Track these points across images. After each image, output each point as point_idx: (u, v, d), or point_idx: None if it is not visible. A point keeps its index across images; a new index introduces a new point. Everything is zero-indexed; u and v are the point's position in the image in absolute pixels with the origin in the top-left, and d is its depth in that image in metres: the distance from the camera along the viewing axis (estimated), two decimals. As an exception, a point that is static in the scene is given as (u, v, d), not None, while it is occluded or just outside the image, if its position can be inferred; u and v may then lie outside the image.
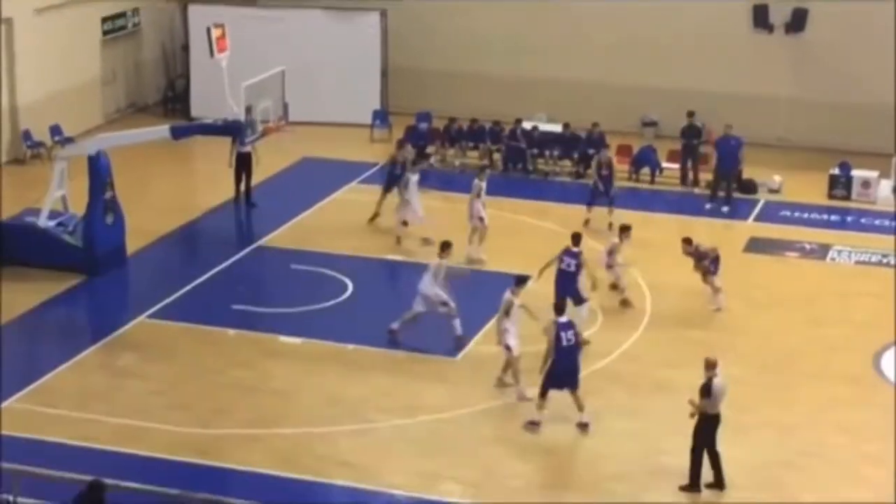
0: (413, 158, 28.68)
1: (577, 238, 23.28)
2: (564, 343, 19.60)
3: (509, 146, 32.64)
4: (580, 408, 19.90)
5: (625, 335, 23.37)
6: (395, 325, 22.71)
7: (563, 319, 19.90)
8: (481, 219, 26.65)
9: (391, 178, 28.41)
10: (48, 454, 18.82)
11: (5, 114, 32.43)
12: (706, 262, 24.49)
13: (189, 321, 23.73)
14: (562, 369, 19.68)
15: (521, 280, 21.26)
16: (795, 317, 24.42)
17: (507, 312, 20.94)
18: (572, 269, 22.95)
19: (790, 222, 29.68)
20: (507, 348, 20.99)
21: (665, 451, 19.08)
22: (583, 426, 19.95)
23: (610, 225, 27.86)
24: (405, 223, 27.57)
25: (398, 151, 28.94)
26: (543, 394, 19.83)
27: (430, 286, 22.46)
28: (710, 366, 18.19)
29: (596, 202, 28.78)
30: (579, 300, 22.97)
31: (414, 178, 27.60)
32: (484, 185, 26.89)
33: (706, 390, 18.01)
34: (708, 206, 30.42)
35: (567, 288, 22.80)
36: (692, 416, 18.14)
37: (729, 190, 30.58)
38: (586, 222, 28.43)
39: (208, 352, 22.60)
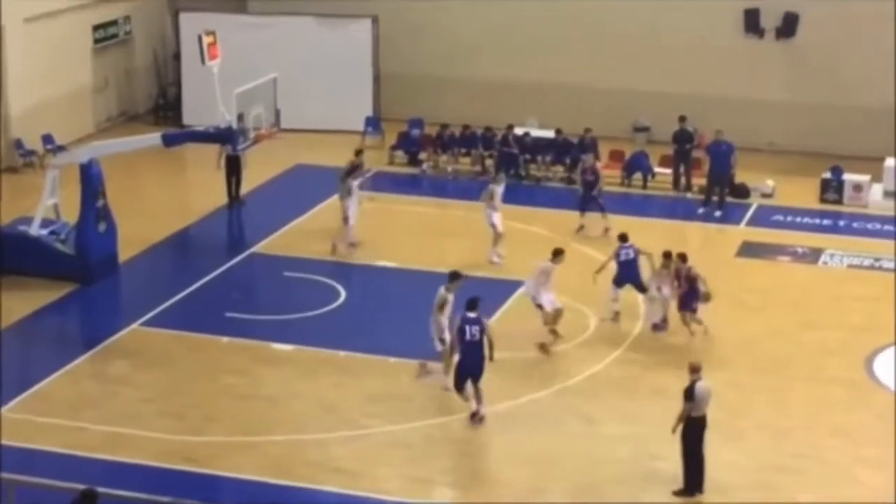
0: (347, 168, 28.05)
1: (623, 236, 24.28)
2: (468, 338, 20.23)
3: (501, 152, 32.63)
4: (479, 400, 20.27)
5: (619, 339, 23.36)
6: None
7: (471, 315, 20.38)
8: (493, 225, 26.72)
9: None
10: (41, 463, 18.80)
11: (-3, 122, 32.46)
12: (681, 287, 23.37)
13: (182, 329, 23.71)
14: (469, 362, 20.29)
15: (454, 276, 21.64)
16: (788, 320, 24.43)
17: (440, 308, 21.25)
18: (631, 256, 24.08)
19: (783, 226, 29.70)
20: (441, 342, 21.24)
21: (660, 455, 19.04)
22: (478, 418, 20.23)
23: (605, 230, 27.81)
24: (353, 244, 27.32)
25: (357, 158, 28.84)
26: (459, 388, 20.42)
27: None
28: (694, 370, 18.27)
29: (588, 208, 28.75)
30: (642, 288, 23.97)
31: (355, 183, 27.50)
32: (498, 189, 27.09)
33: (689, 393, 18.06)
34: (701, 210, 30.43)
35: (629, 275, 24.08)
36: (675, 427, 18.13)
37: (721, 195, 30.58)
38: (580, 228, 28.44)
39: (201, 359, 22.56)
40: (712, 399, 18.39)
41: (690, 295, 23.44)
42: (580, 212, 28.83)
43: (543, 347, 22.93)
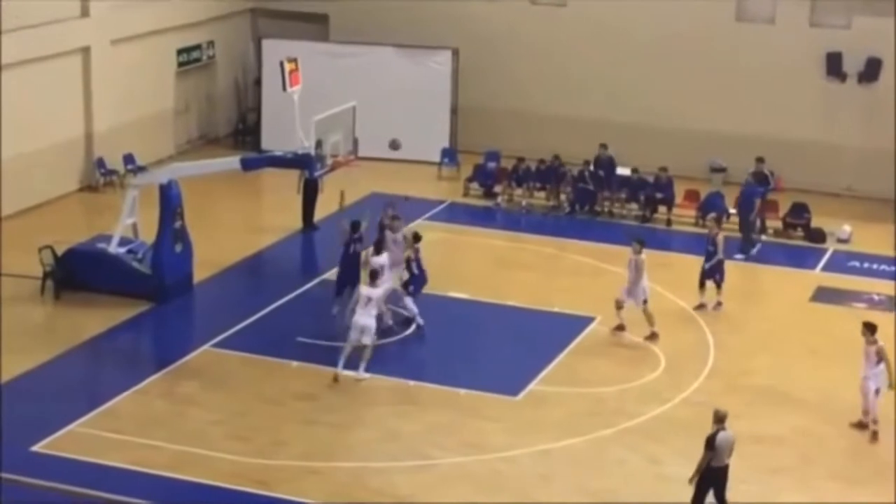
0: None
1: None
2: (350, 251, 24.08)
3: (577, 188, 32.62)
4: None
5: (687, 381, 23.23)
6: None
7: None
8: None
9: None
10: (108, 478, 19.04)
11: (80, 141, 32.93)
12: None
13: (252, 352, 23.87)
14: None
15: (372, 276, 23.14)
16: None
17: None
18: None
19: (859, 273, 29.38)
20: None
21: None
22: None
23: (718, 304, 26.67)
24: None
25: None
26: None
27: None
28: (719, 419, 18.01)
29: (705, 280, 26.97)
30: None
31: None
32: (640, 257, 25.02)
33: (710, 442, 17.83)
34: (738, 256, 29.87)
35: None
36: (693, 477, 17.91)
37: (747, 237, 30.04)
38: (699, 306, 26.79)
39: (270, 383, 22.71)
40: (736, 447, 18.15)
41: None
42: (700, 286, 26.81)
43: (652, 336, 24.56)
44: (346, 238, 24.89)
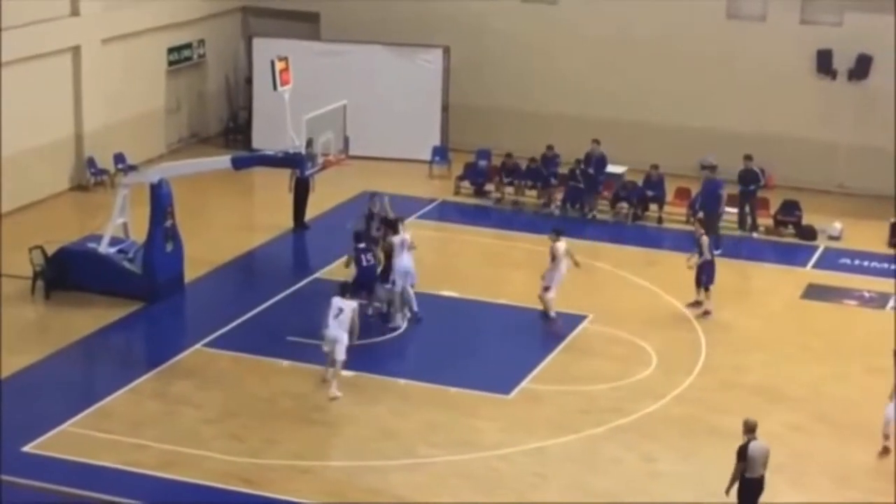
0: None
1: None
2: (364, 264, 24.09)
3: (568, 186, 32.59)
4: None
5: (679, 378, 23.24)
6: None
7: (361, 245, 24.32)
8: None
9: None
10: (100, 478, 19.02)
11: (71, 141, 32.85)
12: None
13: (244, 351, 23.83)
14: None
15: (344, 288, 22.84)
16: (853, 366, 24.16)
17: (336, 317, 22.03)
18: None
19: (850, 270, 29.38)
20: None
21: (718, 495, 18.86)
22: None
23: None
24: None
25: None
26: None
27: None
28: (749, 429, 17.81)
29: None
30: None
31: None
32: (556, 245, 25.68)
33: (742, 453, 17.64)
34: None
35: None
36: (728, 489, 17.78)
37: (716, 231, 29.71)
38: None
39: (262, 382, 22.68)
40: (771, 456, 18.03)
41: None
42: (696, 284, 26.55)
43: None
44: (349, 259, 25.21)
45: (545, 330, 25.21)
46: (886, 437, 20.80)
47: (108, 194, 30.87)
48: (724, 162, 33.51)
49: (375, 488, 19.21)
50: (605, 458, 20.37)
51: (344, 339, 21.98)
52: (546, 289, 25.35)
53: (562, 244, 25.49)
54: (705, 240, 26.37)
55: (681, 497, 19.17)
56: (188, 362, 23.41)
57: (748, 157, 31.59)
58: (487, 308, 26.26)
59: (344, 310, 22.04)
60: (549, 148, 33.21)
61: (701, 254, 26.21)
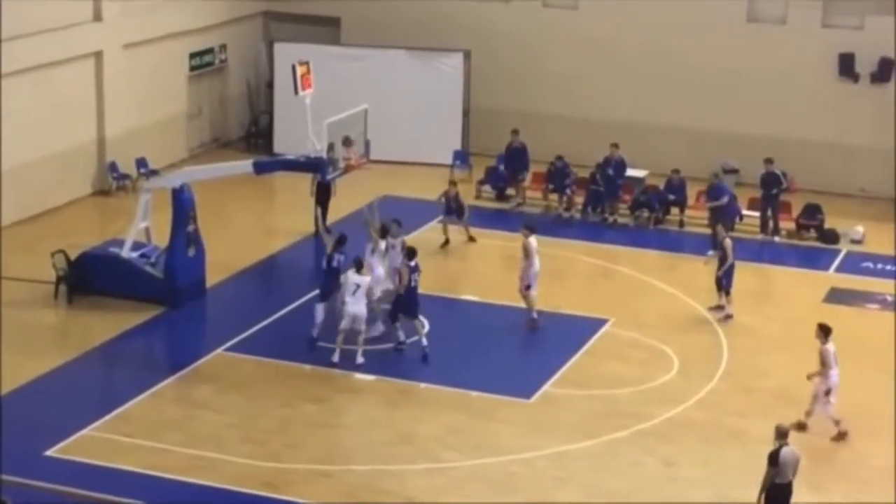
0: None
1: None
2: (412, 284, 23.61)
3: (589, 190, 32.55)
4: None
5: (700, 383, 23.20)
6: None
7: (412, 263, 23.75)
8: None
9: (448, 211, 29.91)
10: (122, 483, 19.10)
11: (93, 146, 33.00)
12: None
13: (265, 355, 23.90)
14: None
15: (358, 264, 23.57)
16: (875, 369, 24.08)
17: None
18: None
19: (872, 273, 29.30)
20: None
21: (736, 499, 18.88)
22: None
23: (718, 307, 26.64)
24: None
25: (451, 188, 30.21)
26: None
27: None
28: (781, 434, 17.77)
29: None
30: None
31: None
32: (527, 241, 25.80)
33: (774, 458, 17.57)
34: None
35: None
36: (760, 496, 17.68)
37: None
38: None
39: (283, 386, 22.74)
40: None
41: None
42: (718, 288, 26.56)
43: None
44: (331, 251, 24.60)
45: (565, 334, 25.18)
46: (837, 422, 21.16)
47: (130, 199, 30.97)
48: (745, 166, 33.55)
49: (395, 492, 19.24)
50: (625, 462, 20.36)
51: (363, 312, 23.13)
52: (527, 287, 25.35)
53: (533, 240, 25.50)
54: (728, 242, 26.32)
55: (700, 500, 19.14)
56: (209, 367, 23.48)
57: (769, 161, 31.50)
58: (508, 312, 26.23)
59: (360, 286, 23.11)
60: (560, 158, 32.97)
61: (724, 257, 26.15)
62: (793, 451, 17.71)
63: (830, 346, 21.34)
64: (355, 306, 23.10)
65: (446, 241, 29.74)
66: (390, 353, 23.99)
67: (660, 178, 32.59)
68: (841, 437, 21.23)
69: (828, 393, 21.24)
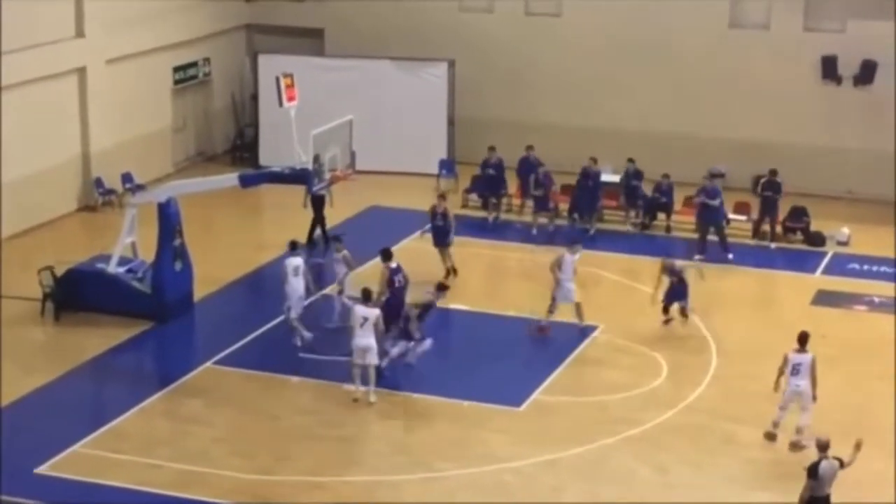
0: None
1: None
2: (396, 285, 23.62)
3: (574, 196, 32.54)
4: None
5: (690, 388, 23.21)
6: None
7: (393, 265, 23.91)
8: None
9: (436, 229, 28.67)
10: (112, 499, 19.05)
11: (78, 161, 32.94)
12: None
13: (254, 368, 23.86)
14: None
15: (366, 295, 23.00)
16: (863, 371, 24.13)
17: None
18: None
19: (859, 275, 29.37)
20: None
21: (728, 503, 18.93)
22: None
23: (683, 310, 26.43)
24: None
25: (440, 202, 29.04)
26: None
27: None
28: (822, 447, 17.77)
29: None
30: None
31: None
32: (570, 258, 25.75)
33: (813, 471, 17.55)
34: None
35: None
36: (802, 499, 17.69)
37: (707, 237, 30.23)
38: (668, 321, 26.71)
39: (273, 399, 22.70)
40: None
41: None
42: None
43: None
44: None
45: (554, 341, 25.20)
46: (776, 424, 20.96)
47: (116, 214, 30.94)
48: (732, 169, 33.61)
49: (390, 502, 19.19)
50: (618, 468, 20.35)
51: (374, 345, 22.31)
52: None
53: (568, 255, 25.49)
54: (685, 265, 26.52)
55: (694, 506, 19.17)
56: (198, 381, 23.42)
57: (773, 172, 31.02)
58: (497, 321, 26.25)
59: (368, 318, 22.33)
60: (530, 147, 32.87)
61: (682, 280, 25.95)
62: (831, 464, 17.68)
63: (793, 355, 21.00)
64: (364, 339, 22.24)
65: (448, 272, 28.38)
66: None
67: (647, 184, 32.58)
68: (769, 437, 20.99)
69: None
